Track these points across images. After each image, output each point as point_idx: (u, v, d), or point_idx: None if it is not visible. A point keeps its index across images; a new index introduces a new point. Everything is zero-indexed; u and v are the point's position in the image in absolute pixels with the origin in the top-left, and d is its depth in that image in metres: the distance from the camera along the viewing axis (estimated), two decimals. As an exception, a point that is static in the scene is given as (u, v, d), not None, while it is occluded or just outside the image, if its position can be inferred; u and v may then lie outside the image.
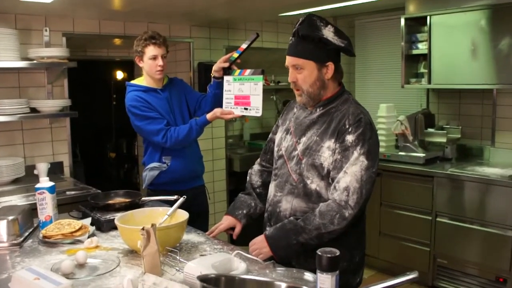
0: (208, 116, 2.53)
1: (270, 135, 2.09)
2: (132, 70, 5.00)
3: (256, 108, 2.26)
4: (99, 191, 2.77)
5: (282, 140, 1.91)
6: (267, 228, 1.87)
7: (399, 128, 3.73)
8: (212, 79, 2.63)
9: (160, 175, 2.65)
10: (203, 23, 4.12)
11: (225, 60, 2.50)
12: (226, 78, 2.43)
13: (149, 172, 2.65)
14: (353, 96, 1.86)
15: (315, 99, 1.80)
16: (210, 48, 4.24)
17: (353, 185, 1.65)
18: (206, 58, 4.21)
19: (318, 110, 1.82)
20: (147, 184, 2.69)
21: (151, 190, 2.72)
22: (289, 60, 1.77)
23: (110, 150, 6.74)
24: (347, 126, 1.71)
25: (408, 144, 3.72)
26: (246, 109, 2.30)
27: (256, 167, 2.12)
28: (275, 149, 1.95)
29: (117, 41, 3.96)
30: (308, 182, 1.76)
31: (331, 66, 1.76)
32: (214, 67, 2.56)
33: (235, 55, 2.46)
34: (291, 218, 1.75)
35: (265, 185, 2.04)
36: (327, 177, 1.73)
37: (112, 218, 1.95)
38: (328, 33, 1.73)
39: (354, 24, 4.90)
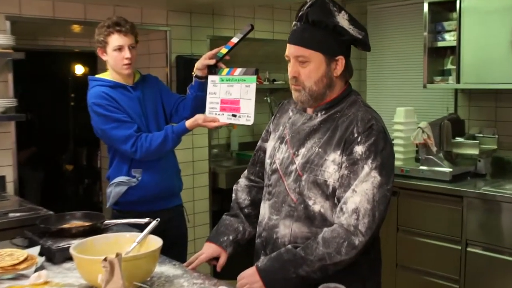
0: (188, 123, 2.53)
1: (259, 143, 2.10)
2: (94, 63, 4.98)
3: (247, 115, 2.27)
4: (51, 212, 2.75)
5: (275, 151, 1.91)
6: (261, 258, 1.87)
7: (421, 137, 3.75)
8: (194, 79, 2.64)
9: (128, 192, 2.64)
10: (182, 7, 4.13)
11: (211, 56, 2.50)
12: (211, 78, 2.44)
13: (114, 188, 2.65)
14: (362, 98, 1.87)
15: (317, 99, 1.81)
16: (191, 39, 4.25)
17: (364, 207, 1.66)
18: (186, 50, 4.22)
19: (319, 114, 1.83)
20: (112, 203, 2.68)
21: (117, 210, 2.71)
22: (292, 50, 1.78)
23: (66, 162, 6.71)
24: (356, 135, 1.72)
25: (431, 157, 3.73)
26: (234, 116, 2.31)
27: (242, 182, 2.12)
28: (267, 161, 1.95)
29: (76, 27, 3.96)
30: (310, 203, 1.76)
31: (341, 60, 1.78)
32: (197, 65, 2.57)
33: (224, 50, 2.47)
34: (289, 246, 1.75)
35: (254, 204, 2.04)
36: (333, 197, 1.73)
37: (67, 246, 1.93)
38: (343, 20, 1.75)
39: (366, 10, 4.93)
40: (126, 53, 2.59)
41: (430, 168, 3.71)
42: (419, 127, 3.78)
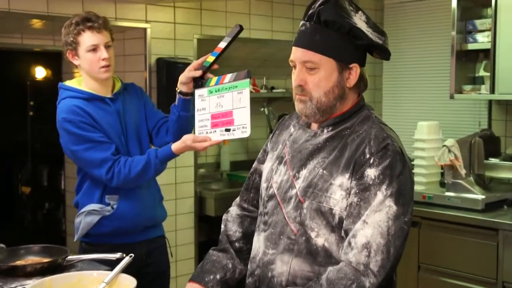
0: (175, 147, 2.54)
1: (254, 165, 2.12)
2: (59, 65, 5.01)
3: (242, 126, 2.28)
4: (2, 245, 2.74)
5: (273, 173, 1.93)
6: (253, 302, 1.88)
7: (447, 157, 3.76)
8: (178, 96, 2.64)
9: (100, 223, 2.64)
10: (165, 1, 4.15)
11: (196, 67, 2.51)
12: (198, 92, 2.46)
13: (84, 218, 2.64)
14: (375, 113, 1.89)
15: (324, 114, 1.83)
16: (174, 38, 4.27)
17: (376, 241, 1.67)
18: (168, 52, 4.24)
19: (325, 131, 1.85)
20: (81, 235, 2.68)
21: (86, 243, 2.70)
22: (299, 54, 1.80)
23: (22, 183, 6.70)
24: (368, 156, 1.74)
25: (459, 181, 3.74)
26: (228, 130, 2.33)
27: (234, 210, 2.13)
28: (263, 185, 1.97)
29: (37, 23, 3.98)
30: (313, 235, 1.77)
31: (356, 69, 1.81)
32: (181, 78, 2.57)
33: (211, 58, 2.49)
34: (288, 288, 1.75)
35: (247, 237, 2.05)
36: (340, 228, 1.74)
37: None
38: (360, 22, 1.78)
39: (383, 6, 4.98)
40: (103, 53, 2.59)
41: (458, 194, 3.71)
42: (444, 145, 3.78)
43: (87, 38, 2.58)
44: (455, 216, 3.60)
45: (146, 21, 4.14)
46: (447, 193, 3.75)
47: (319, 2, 1.78)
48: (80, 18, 2.59)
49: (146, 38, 4.14)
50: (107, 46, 2.62)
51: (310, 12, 1.80)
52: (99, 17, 2.62)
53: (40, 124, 6.40)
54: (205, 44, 4.27)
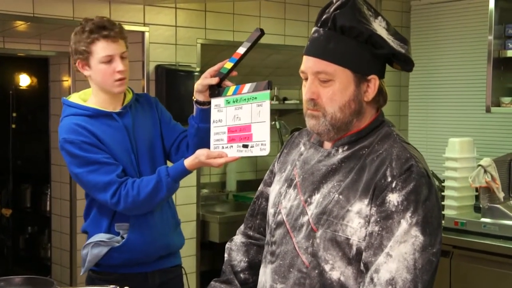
0: (188, 162, 2.55)
1: (260, 188, 2.13)
2: (45, 72, 5.03)
3: (261, 143, 2.31)
4: (-21, 277, 2.76)
5: (281, 197, 1.93)
6: None
7: (482, 178, 3.75)
8: (195, 106, 2.66)
9: (110, 255, 2.64)
10: (165, 1, 4.18)
11: (213, 74, 2.53)
12: (214, 101, 2.48)
13: (91, 250, 2.64)
14: (397, 131, 1.89)
15: (339, 131, 1.84)
16: (175, 43, 4.29)
17: (402, 277, 1.67)
18: (169, 58, 4.25)
19: (340, 150, 1.85)
20: (88, 268, 2.69)
21: (95, 272, 2.71)
22: (311, 64, 1.81)
23: (2, 204, 6.70)
24: (389, 179, 1.74)
25: (497, 206, 3.73)
26: (246, 146, 2.35)
27: (238, 239, 2.14)
28: (270, 211, 1.98)
29: (21, 25, 4.00)
30: (327, 268, 1.77)
31: (374, 81, 1.81)
32: (197, 86, 2.59)
33: (228, 65, 2.52)
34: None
35: (253, 267, 2.06)
36: (358, 261, 1.75)
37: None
38: (380, 29, 1.79)
39: (409, 7, 4.99)
40: (118, 65, 2.59)
41: (495, 221, 3.69)
42: (480, 165, 3.78)
43: (102, 48, 2.59)
44: (492, 245, 3.59)
45: (144, 24, 4.17)
46: (483, 219, 3.74)
47: (334, 6, 1.78)
48: (95, 25, 2.58)
49: (144, 43, 4.16)
50: (122, 57, 2.62)
51: (324, 17, 1.80)
52: (114, 24, 2.63)
53: (23, 138, 6.41)
54: (210, 50, 4.30)
